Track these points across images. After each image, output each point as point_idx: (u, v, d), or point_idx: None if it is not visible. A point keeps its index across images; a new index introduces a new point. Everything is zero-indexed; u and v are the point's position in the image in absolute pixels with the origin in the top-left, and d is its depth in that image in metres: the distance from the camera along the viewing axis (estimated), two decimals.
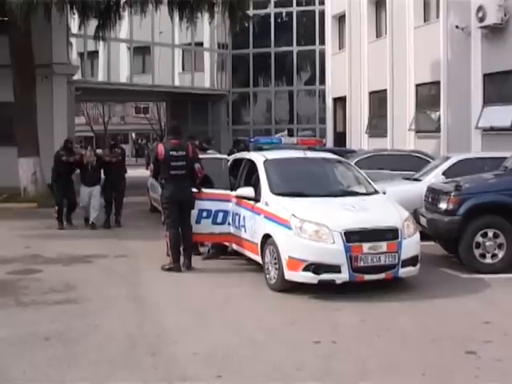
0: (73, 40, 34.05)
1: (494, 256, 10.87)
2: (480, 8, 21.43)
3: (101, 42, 29.08)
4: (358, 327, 7.96)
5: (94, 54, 39.39)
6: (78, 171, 16.81)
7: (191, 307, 8.90)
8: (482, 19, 21.49)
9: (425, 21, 26.63)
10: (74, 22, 29.17)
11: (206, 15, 26.24)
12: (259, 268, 10.43)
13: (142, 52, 42.85)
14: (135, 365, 6.67)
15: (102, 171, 16.80)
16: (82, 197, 16.35)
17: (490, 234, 10.87)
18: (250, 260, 11.11)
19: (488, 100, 22.35)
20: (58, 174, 16.48)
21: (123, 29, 37.11)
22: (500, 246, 10.87)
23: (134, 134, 79.55)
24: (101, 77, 40.62)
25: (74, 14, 25.52)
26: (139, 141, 77.81)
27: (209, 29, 41.60)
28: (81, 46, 37.48)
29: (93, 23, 26.26)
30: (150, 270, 11.18)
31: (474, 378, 6.29)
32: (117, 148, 17.42)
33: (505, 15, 20.99)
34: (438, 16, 25.35)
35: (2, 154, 23.29)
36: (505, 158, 12.74)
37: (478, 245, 10.86)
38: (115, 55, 40.10)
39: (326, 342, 7.30)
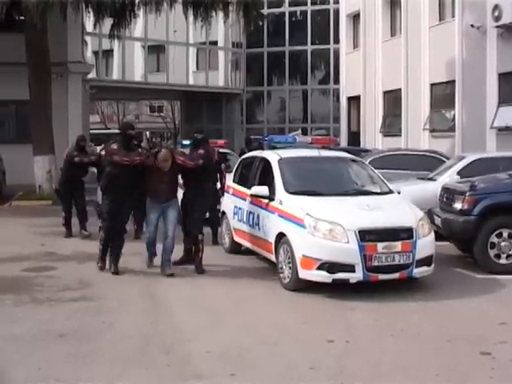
0: (88, 39, 34.22)
1: (509, 256, 10.83)
2: (496, 7, 21.37)
3: (115, 41, 29.11)
4: (372, 327, 7.95)
5: (108, 53, 39.53)
6: (93, 169, 14.62)
7: (205, 306, 8.90)
8: (497, 18, 21.43)
9: (440, 20, 26.56)
10: (89, 21, 29.28)
11: (221, 14, 26.23)
12: (273, 267, 10.44)
13: (156, 51, 42.97)
14: (149, 363, 6.68)
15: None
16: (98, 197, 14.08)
17: (505, 234, 10.83)
18: (264, 259, 11.12)
19: (503, 99, 22.28)
20: (67, 177, 14.55)
21: (138, 27, 37.23)
22: None
23: (148, 133, 79.60)
24: (115, 75, 40.76)
25: (89, 12, 25.53)
26: (153, 139, 77.91)
27: (223, 27, 41.68)
28: (96, 44, 37.63)
29: (108, 22, 26.29)
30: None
31: (488, 378, 6.27)
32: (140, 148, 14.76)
33: None
34: (453, 15, 25.28)
35: (17, 152, 23.34)
36: None
37: (493, 245, 10.82)
38: (130, 54, 40.23)
39: (340, 342, 7.30)
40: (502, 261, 10.84)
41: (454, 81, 24.88)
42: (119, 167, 10.66)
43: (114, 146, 10.84)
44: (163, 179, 10.63)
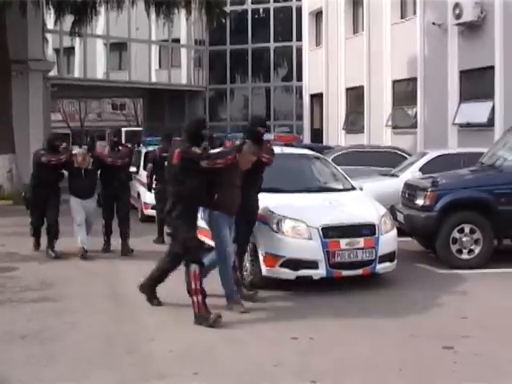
0: (49, 36, 33.88)
1: (470, 251, 10.94)
2: (457, 5, 21.58)
3: (77, 38, 28.96)
4: (336, 323, 7.95)
5: (70, 50, 39.20)
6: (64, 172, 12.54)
7: (168, 305, 8.84)
8: (458, 16, 21.63)
9: (402, 17, 26.75)
10: (49, 18, 28.99)
11: (183, 11, 26.21)
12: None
13: (118, 48, 42.73)
14: (112, 363, 6.63)
15: (98, 177, 12.62)
16: (75, 212, 12.16)
17: (467, 229, 10.94)
18: None
19: (464, 97, 22.51)
20: (37, 183, 12.25)
21: (99, 25, 36.97)
22: (476, 242, 10.94)
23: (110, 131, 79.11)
24: (77, 73, 40.45)
25: (50, 9, 25.35)
26: (116, 138, 77.32)
27: (186, 25, 41.59)
28: (57, 41, 37.30)
29: (69, 19, 26.09)
30: (128, 268, 11.11)
31: (451, 372, 6.32)
32: (121, 146, 12.98)
33: (481, 12, 21.18)
34: (414, 12, 25.48)
35: None
36: (481, 154, 12.83)
37: (455, 240, 10.93)
38: (91, 51, 39.95)
39: (304, 339, 7.30)
40: (464, 256, 10.95)
41: (415, 78, 25.08)
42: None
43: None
44: (237, 185, 8.77)
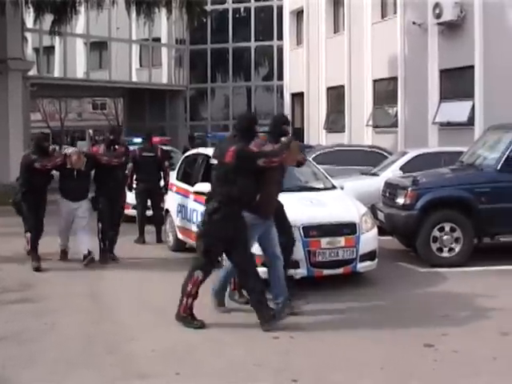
0: (28, 35, 33.59)
1: (450, 250, 10.99)
2: (437, 5, 21.68)
3: (57, 38, 28.81)
4: (316, 322, 7.95)
5: (49, 50, 38.93)
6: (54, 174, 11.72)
7: (149, 304, 8.82)
8: (438, 16, 21.74)
9: (382, 17, 26.82)
10: (29, 17, 28.77)
11: (164, 10, 26.16)
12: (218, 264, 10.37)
13: (98, 47, 42.51)
14: (92, 363, 6.59)
15: (92, 178, 11.88)
16: (62, 215, 11.54)
17: (447, 228, 10.99)
18: None
19: (444, 96, 22.62)
20: (28, 189, 11.24)
21: (80, 24, 36.72)
22: (457, 240, 10.99)
23: (91, 131, 78.83)
24: (57, 72, 40.17)
25: (29, 8, 25.21)
26: (97, 137, 77.06)
27: (166, 24, 41.41)
28: (36, 41, 37.00)
29: (49, 18, 25.95)
30: (108, 267, 11.06)
31: (431, 370, 6.34)
32: (118, 145, 12.21)
33: (461, 12, 21.29)
34: (395, 12, 25.57)
35: None
36: (461, 153, 12.89)
37: (435, 239, 10.97)
38: (71, 51, 39.67)
39: (284, 338, 7.29)
40: (444, 254, 11.00)
41: (396, 77, 25.16)
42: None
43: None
44: (278, 185, 8.38)
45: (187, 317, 7.74)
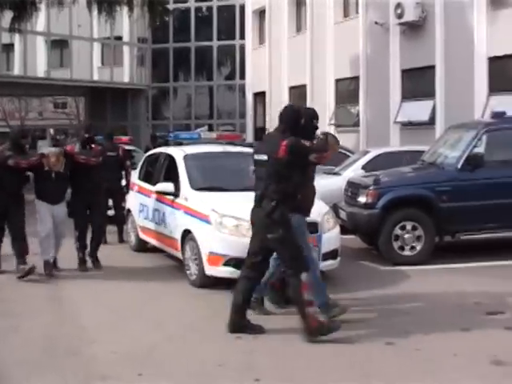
0: None
1: (412, 248, 11.06)
2: (398, 5, 21.84)
3: (16, 35, 28.43)
4: (280, 321, 7.93)
5: (9, 47, 38.52)
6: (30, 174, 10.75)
7: (111, 306, 8.73)
8: (400, 16, 21.90)
9: (344, 16, 26.94)
10: None
11: (125, 9, 25.98)
12: (180, 264, 10.34)
13: (59, 45, 42.13)
14: (54, 365, 6.51)
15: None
16: (42, 220, 10.43)
17: (409, 226, 11.05)
18: (170, 256, 11.00)
19: (406, 95, 22.81)
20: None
21: (40, 21, 36.36)
22: (418, 239, 11.06)
23: (52, 130, 78.06)
24: (17, 70, 39.75)
25: None
26: (58, 137, 76.31)
27: (128, 23, 41.14)
28: None
29: (8, 15, 25.60)
30: (70, 270, 10.92)
31: (393, 368, 6.36)
32: (94, 144, 11.39)
33: (422, 12, 21.49)
34: (357, 12, 25.69)
35: None
36: (422, 152, 12.98)
37: (397, 237, 11.03)
38: (32, 48, 39.28)
39: (248, 338, 7.26)
40: (406, 252, 11.06)
41: (358, 77, 25.29)
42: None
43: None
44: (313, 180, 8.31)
45: (322, 325, 7.11)
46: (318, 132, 7.83)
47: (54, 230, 10.44)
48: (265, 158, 7.43)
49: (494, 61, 19.64)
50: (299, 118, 7.56)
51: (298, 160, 7.27)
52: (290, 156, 7.16)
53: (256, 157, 7.70)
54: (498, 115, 11.91)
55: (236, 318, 7.43)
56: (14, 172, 10.28)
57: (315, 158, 7.33)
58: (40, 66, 40.29)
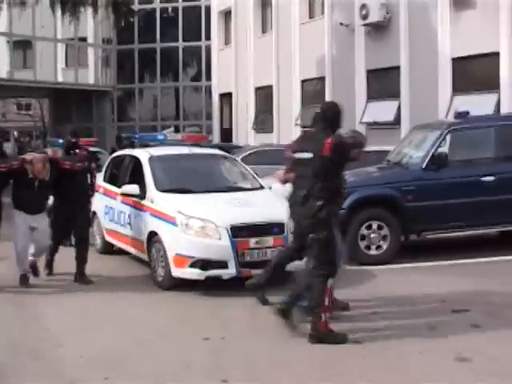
0: None
1: (378, 247, 11.11)
2: (363, 6, 21.96)
3: None
4: (246, 322, 7.94)
5: None
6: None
7: (76, 309, 8.66)
8: (365, 17, 22.03)
9: (310, 17, 27.04)
10: None
11: (90, 9, 25.82)
12: (146, 266, 10.28)
13: (22, 46, 41.76)
14: (19, 371, 6.43)
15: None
16: (18, 233, 9.64)
17: (375, 226, 11.10)
18: (137, 258, 10.94)
19: (371, 95, 22.94)
20: None
21: (2, 21, 35.97)
22: (384, 238, 11.11)
23: (15, 132, 77.28)
24: None
25: None
26: (22, 139, 75.57)
27: (93, 23, 40.90)
28: None
29: None
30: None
31: (360, 366, 6.40)
32: (78, 148, 10.56)
33: (387, 13, 21.62)
34: (322, 13, 25.78)
35: None
36: (388, 152, 13.04)
37: (363, 237, 11.07)
38: None
39: (215, 339, 7.25)
40: (372, 252, 11.11)
41: (324, 77, 25.37)
42: None
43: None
44: None
45: (330, 333, 7.05)
46: (344, 129, 7.69)
47: (33, 242, 9.78)
48: (308, 156, 7.28)
49: (457, 61, 19.84)
50: (337, 113, 7.47)
51: (341, 157, 7.23)
52: (335, 153, 7.08)
53: (297, 156, 7.56)
54: (462, 115, 12.01)
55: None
56: None
57: (356, 154, 7.30)
58: (2, 67, 39.91)
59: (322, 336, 7.02)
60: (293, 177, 7.62)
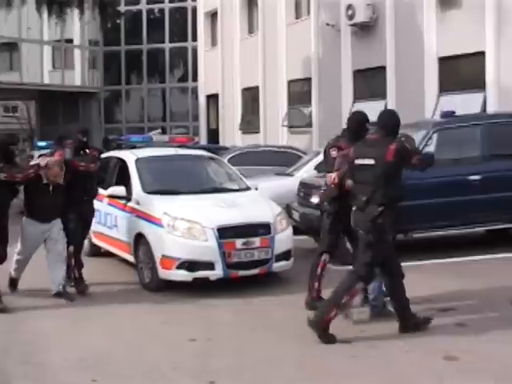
0: None
1: None
2: (349, 6, 21.96)
3: None
4: (233, 323, 7.96)
5: None
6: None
7: (62, 312, 8.64)
8: (351, 17, 22.03)
9: (296, 18, 27.04)
10: None
11: (76, 11, 25.75)
12: (133, 268, 10.26)
13: (8, 48, 41.62)
14: (6, 374, 6.41)
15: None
16: (29, 241, 9.21)
17: None
18: (124, 260, 10.91)
19: (358, 96, 22.94)
20: None
21: None
22: None
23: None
24: None
25: None
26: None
27: (79, 25, 40.80)
28: None
29: None
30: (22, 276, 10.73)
31: (349, 365, 6.44)
32: (88, 148, 9.99)
33: (373, 13, 21.64)
34: (309, 13, 25.78)
35: None
36: None
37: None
38: None
39: (202, 340, 7.27)
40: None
41: (310, 78, 25.39)
42: None
43: None
44: None
45: (326, 329, 7.09)
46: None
47: (49, 253, 9.24)
48: (369, 162, 7.29)
49: (443, 61, 19.87)
50: (399, 121, 7.54)
51: (403, 163, 7.31)
52: (398, 159, 7.18)
53: (357, 161, 7.52)
54: (448, 114, 12.05)
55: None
56: (2, 187, 8.68)
57: (416, 159, 7.35)
58: None
59: (320, 326, 7.08)
60: (351, 183, 7.68)
